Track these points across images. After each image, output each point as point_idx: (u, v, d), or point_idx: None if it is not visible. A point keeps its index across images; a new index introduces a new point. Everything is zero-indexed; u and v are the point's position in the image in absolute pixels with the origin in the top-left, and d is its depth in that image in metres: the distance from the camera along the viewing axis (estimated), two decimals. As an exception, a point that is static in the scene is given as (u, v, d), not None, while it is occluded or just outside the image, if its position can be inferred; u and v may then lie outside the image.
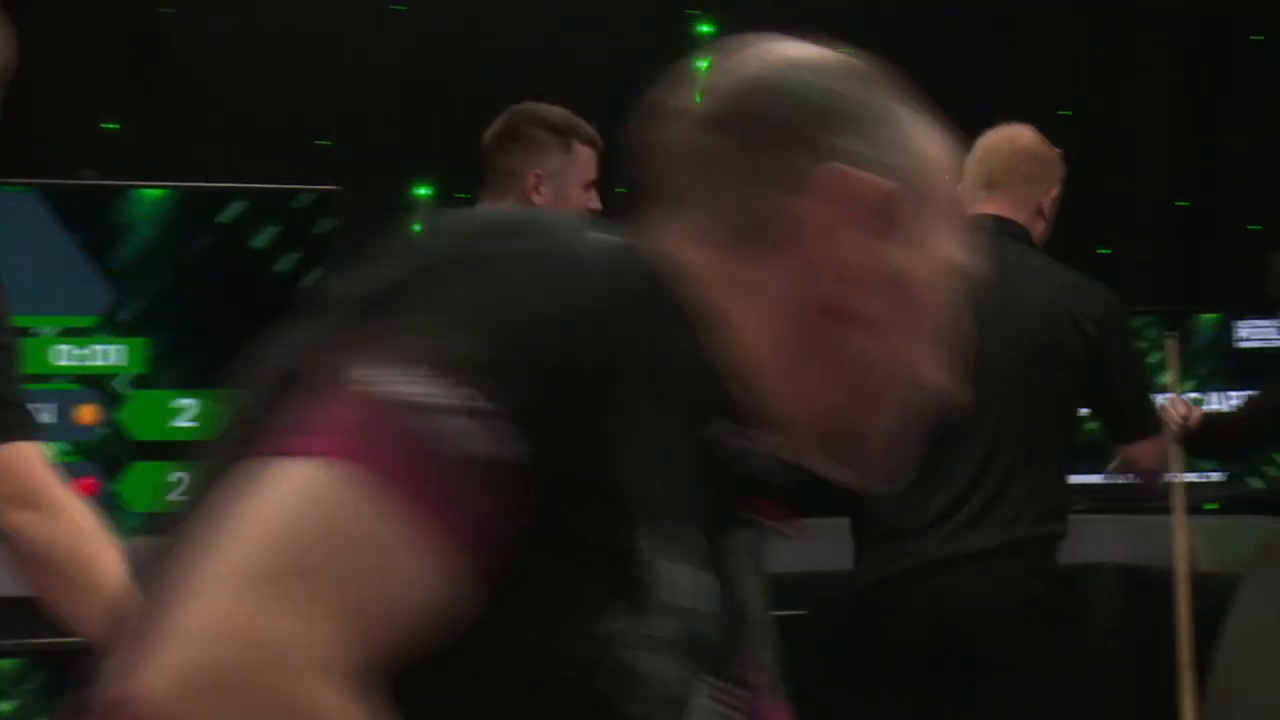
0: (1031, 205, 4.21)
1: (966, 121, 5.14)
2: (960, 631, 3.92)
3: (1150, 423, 4.26)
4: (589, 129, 4.14)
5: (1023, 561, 3.94)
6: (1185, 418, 4.77)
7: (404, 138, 6.02)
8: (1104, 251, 6.71)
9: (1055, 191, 4.25)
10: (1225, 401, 5.53)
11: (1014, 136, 4.27)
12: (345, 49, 5.99)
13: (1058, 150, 4.33)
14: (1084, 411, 4.22)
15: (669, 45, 6.78)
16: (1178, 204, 6.91)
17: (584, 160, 4.11)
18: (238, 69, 5.91)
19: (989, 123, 4.36)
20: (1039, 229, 4.24)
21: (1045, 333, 4.04)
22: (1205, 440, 4.84)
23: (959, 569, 3.93)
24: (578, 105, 6.10)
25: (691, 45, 6.20)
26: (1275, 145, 6.73)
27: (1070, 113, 6.63)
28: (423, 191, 6.00)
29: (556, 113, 4.17)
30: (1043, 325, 4.05)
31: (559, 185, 4.06)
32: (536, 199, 4.03)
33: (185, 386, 5.43)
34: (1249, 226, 6.71)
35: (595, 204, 4.11)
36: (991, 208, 4.17)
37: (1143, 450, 4.23)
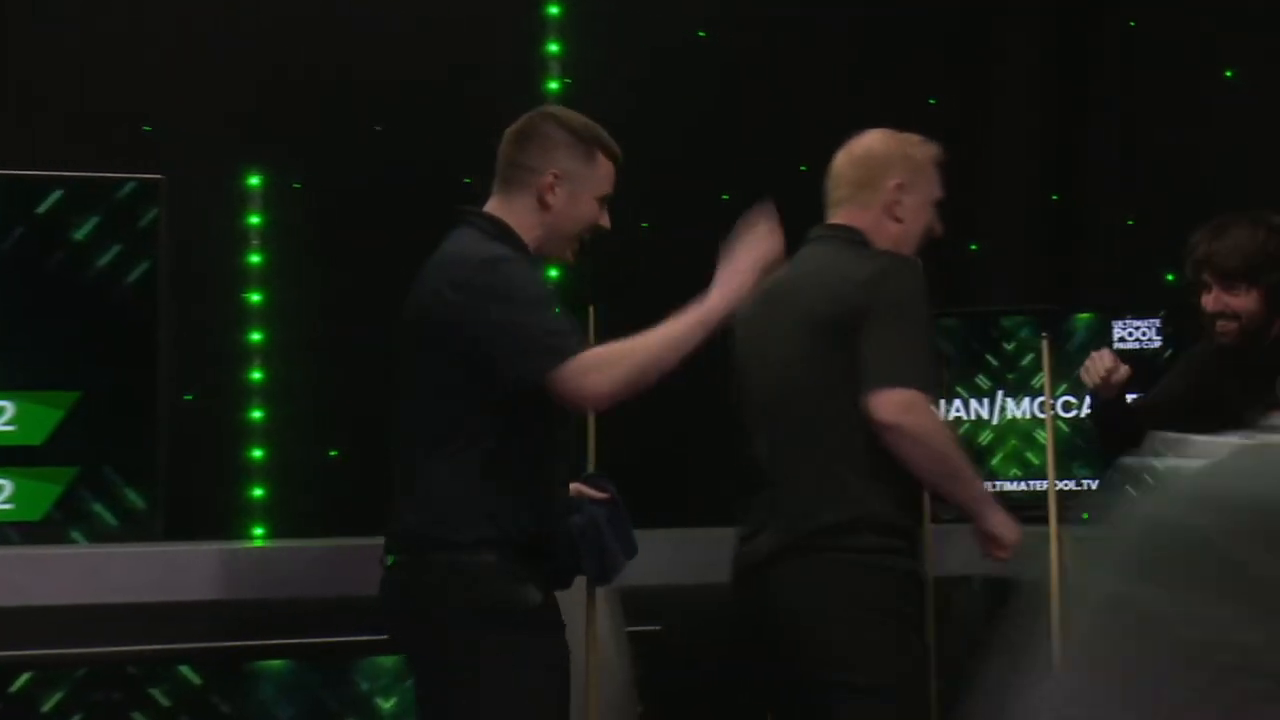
0: (873, 208, 4.26)
1: (833, 112, 4.87)
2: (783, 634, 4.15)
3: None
4: (614, 144, 4.08)
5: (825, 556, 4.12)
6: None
7: (233, 123, 5.90)
8: (974, 247, 6.63)
9: (896, 183, 4.24)
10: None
11: (848, 148, 4.33)
12: (171, 30, 5.83)
13: (917, 138, 4.32)
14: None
15: (518, 28, 6.57)
16: (1053, 197, 6.84)
17: (604, 172, 4.06)
18: (56, 49, 5.75)
19: (855, 113, 4.42)
20: (891, 230, 4.25)
21: (814, 324, 4.13)
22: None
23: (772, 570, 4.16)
24: (423, 88, 5.89)
25: (541, 28, 6.04)
26: (1148, 135, 6.66)
27: (936, 101, 6.59)
28: (253, 180, 5.89)
29: (582, 120, 4.10)
30: (810, 317, 4.13)
31: (574, 189, 4.00)
32: (550, 199, 3.99)
33: (1, 388, 5.23)
34: (1127, 221, 6.65)
35: (606, 222, 4.07)
36: (835, 219, 4.29)
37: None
